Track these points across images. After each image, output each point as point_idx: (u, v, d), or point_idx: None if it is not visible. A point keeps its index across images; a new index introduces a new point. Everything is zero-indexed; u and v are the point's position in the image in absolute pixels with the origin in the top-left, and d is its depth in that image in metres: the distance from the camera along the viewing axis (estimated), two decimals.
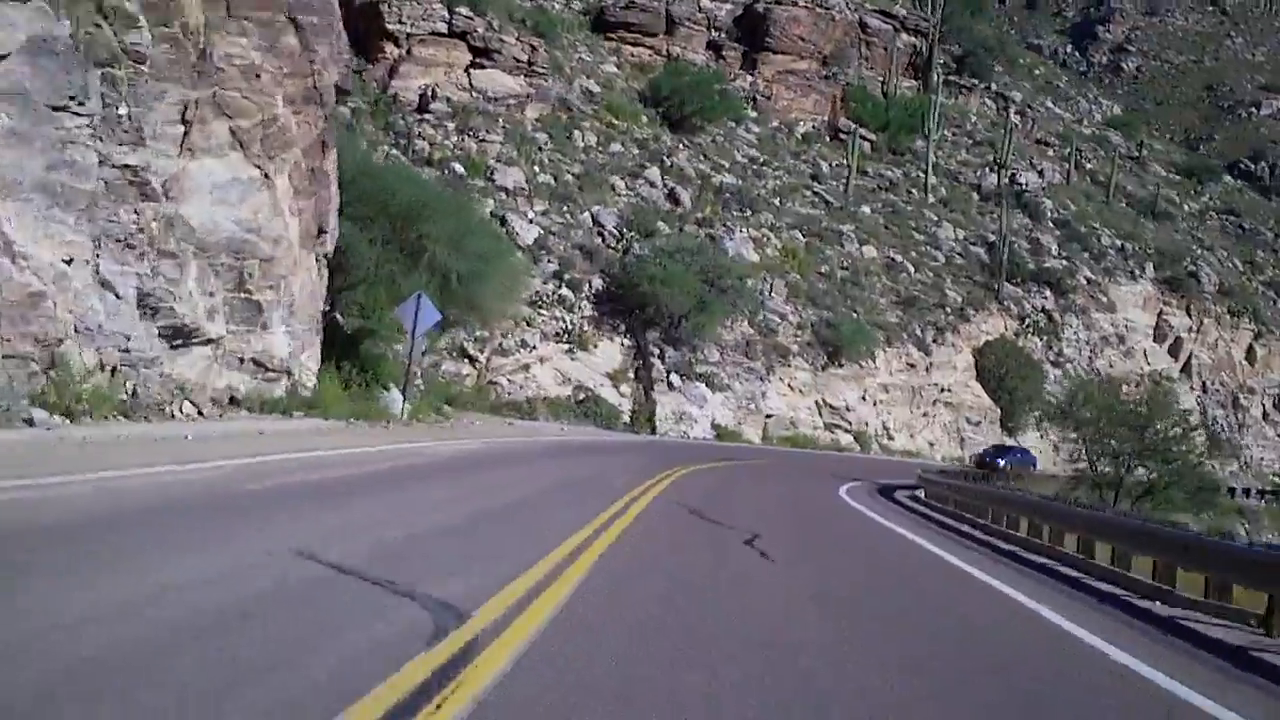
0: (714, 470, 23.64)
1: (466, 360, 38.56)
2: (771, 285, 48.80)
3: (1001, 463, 41.90)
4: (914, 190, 71.42)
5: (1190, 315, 72.64)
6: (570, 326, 40.77)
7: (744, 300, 44.54)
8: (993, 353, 55.55)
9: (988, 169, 79.28)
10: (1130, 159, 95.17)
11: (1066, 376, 59.63)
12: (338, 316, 20.73)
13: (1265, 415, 74.92)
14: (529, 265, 38.39)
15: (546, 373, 39.66)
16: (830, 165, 69.13)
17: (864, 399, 47.86)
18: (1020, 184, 77.34)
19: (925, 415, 51.07)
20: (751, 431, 41.31)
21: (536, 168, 49.43)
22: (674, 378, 40.55)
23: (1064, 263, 67.73)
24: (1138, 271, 72.18)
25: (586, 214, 47.70)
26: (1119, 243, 76.05)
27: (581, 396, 39.32)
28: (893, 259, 59.04)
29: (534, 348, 39.88)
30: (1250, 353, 76.46)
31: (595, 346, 41.14)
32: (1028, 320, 60.39)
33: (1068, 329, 62.87)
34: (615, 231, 46.99)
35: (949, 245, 64.63)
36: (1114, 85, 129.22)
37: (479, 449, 21.03)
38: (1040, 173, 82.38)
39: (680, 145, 59.67)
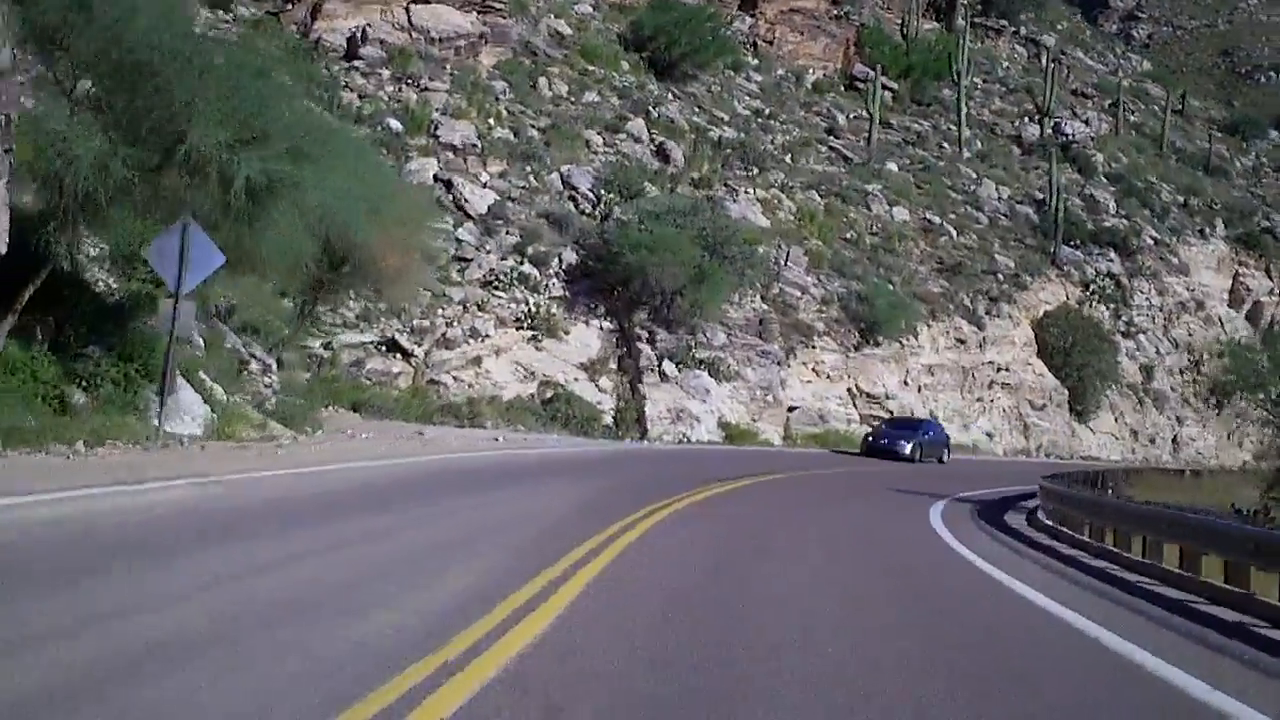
0: (722, 497, 16.37)
1: (399, 355, 31.30)
2: (788, 253, 41.40)
3: (905, 447, 33.16)
4: (945, 144, 64.54)
5: (1271, 276, 65.15)
6: (535, 309, 33.40)
7: (754, 271, 37.17)
8: (1054, 325, 48.14)
9: (1027, 119, 72.56)
10: (1175, 113, 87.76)
11: (1140, 350, 52.47)
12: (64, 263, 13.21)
13: None
14: (431, 209, 30.86)
15: (504, 367, 32.33)
16: (847, 117, 62.15)
17: (906, 383, 40.50)
18: (1066, 134, 69.99)
19: (979, 401, 43.68)
20: (770, 429, 33.91)
21: (492, 121, 42.19)
22: (668, 366, 33.18)
23: (1125, 221, 60.40)
24: (1207, 230, 64.77)
25: (555, 175, 40.39)
26: (1181, 199, 69.04)
27: (549, 395, 31.96)
28: (929, 221, 51.68)
29: (487, 337, 32.57)
30: None
31: (567, 333, 33.79)
32: (1092, 286, 52.88)
33: (1138, 295, 55.38)
34: (591, 194, 39.65)
35: (992, 205, 57.39)
36: (1126, 54, 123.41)
37: (230, 505, 13.83)
38: (1086, 122, 75.21)
39: (669, 95, 52.44)
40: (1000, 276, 48.64)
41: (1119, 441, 49.65)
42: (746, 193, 45.56)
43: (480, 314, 33.14)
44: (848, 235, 46.63)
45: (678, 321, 34.49)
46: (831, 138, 58.62)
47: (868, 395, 38.52)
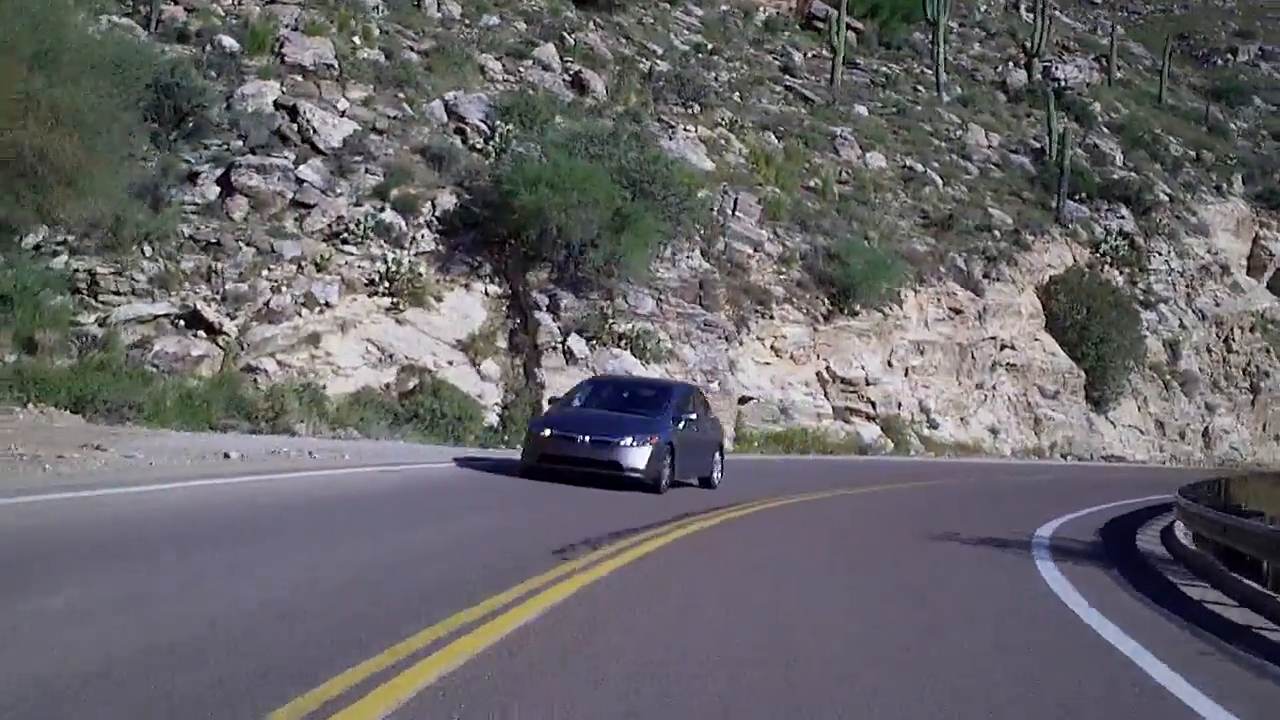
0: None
1: (203, 332, 23.53)
2: (736, 200, 34.05)
3: (630, 453, 16.03)
4: (921, 88, 57.68)
5: None
6: (396, 269, 25.72)
7: (693, 219, 29.79)
8: (1063, 292, 41.11)
9: (1012, 64, 66.15)
10: (1156, 72, 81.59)
11: (1163, 322, 45.67)
12: None
13: None
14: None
15: (350, 347, 24.59)
16: (805, 55, 55.11)
17: (890, 364, 33.20)
18: (1058, 79, 63.27)
19: (980, 388, 36.48)
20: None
21: (358, 39, 34.48)
22: (576, 343, 25.59)
23: (1135, 175, 53.71)
24: (1224, 186, 58.24)
25: (437, 103, 32.64)
26: (1192, 153, 62.78)
27: (411, 384, 24.29)
28: (910, 169, 44.58)
29: (328, 306, 24.88)
30: None
31: (439, 300, 26.17)
32: (1103, 247, 45.94)
33: (1154, 257, 48.53)
34: (484, 126, 32.01)
35: (982, 153, 50.50)
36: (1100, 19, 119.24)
37: None
38: (1078, 68, 68.72)
39: (590, 24, 44.99)
40: (998, 234, 41.54)
41: (1144, 437, 42.76)
42: (686, 130, 38.15)
43: (321, 276, 25.43)
44: (812, 183, 39.32)
45: (590, 283, 26.92)
46: (788, 76, 51.44)
47: (843, 381, 31.18)
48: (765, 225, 34.09)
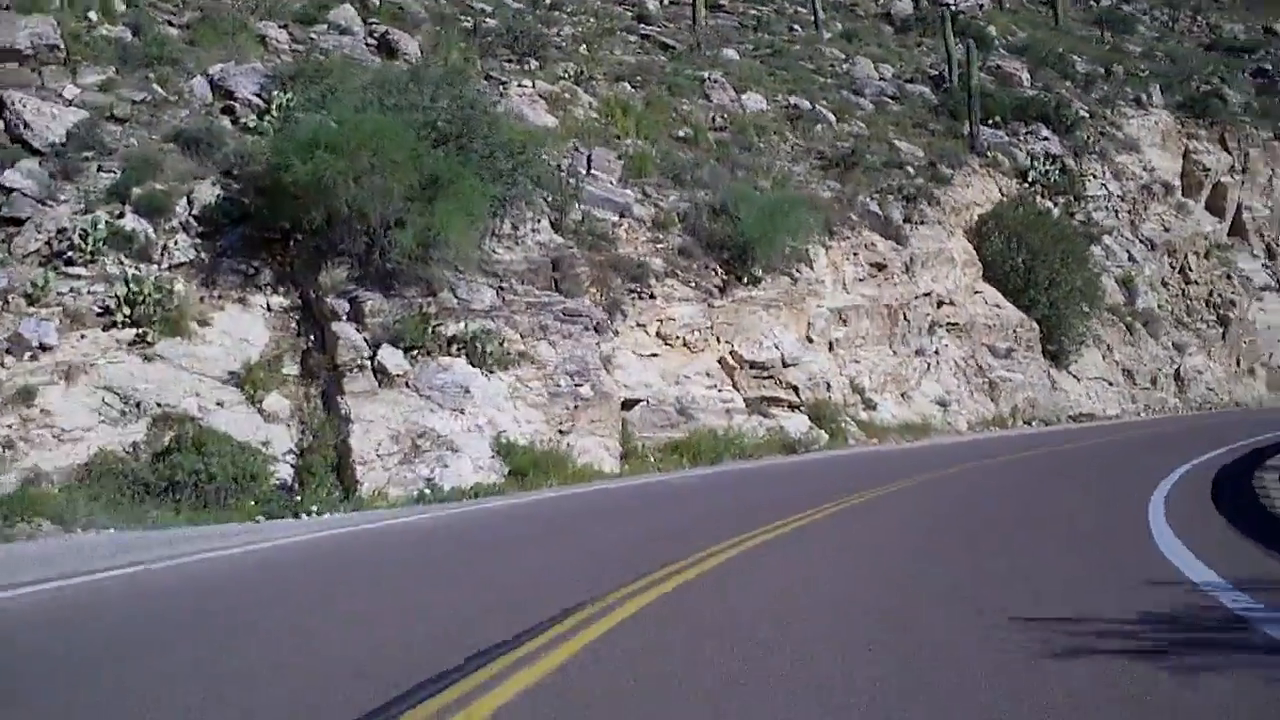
0: None
1: None
2: (590, 159, 28.70)
3: None
4: (798, 27, 53.56)
5: (1228, 148, 55.00)
6: (141, 291, 19.83)
7: (531, 180, 24.19)
8: (996, 231, 36.48)
9: None
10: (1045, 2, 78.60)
11: (1111, 256, 41.37)
12: None
13: None
14: None
15: (79, 400, 18.69)
16: (661, 3, 50.47)
17: (809, 339, 28.02)
18: (947, 4, 59.49)
19: (920, 354, 31.46)
20: (595, 446, 20.66)
21: (95, 15, 28.44)
22: (390, 356, 19.86)
23: (1048, 93, 49.62)
24: (1144, 97, 54.44)
25: (199, 80, 26.69)
26: (1101, 68, 59.22)
27: (168, 440, 18.49)
28: (796, 106, 39.76)
29: (42, 349, 18.93)
30: None
31: (204, 324, 20.24)
32: (1032, 174, 41.53)
33: (1090, 181, 44.30)
34: (258, 100, 26.16)
35: (875, 87, 46.03)
36: None
37: None
38: None
39: None
40: (911, 169, 36.82)
41: (1113, 389, 38.21)
42: (521, 86, 32.85)
43: (34, 311, 19.51)
44: (681, 133, 34.17)
45: (403, 275, 21.13)
46: (643, 25, 46.56)
47: (753, 366, 25.86)
48: (631, 185, 28.80)
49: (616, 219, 26.98)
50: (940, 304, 32.66)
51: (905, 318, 30.97)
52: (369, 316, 20.46)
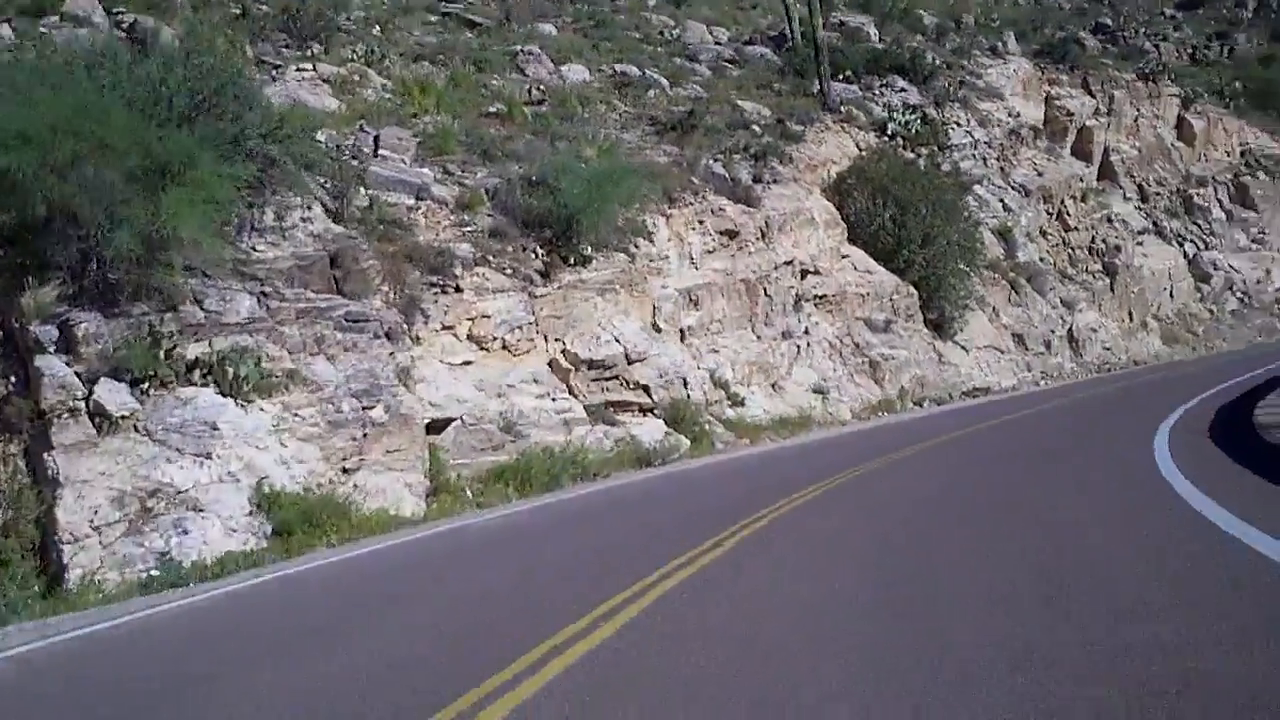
0: None
1: None
2: (378, 139, 24.85)
3: None
4: None
5: (1092, 91, 53.31)
6: None
7: (298, 162, 20.23)
8: (859, 187, 33.43)
9: None
10: None
11: (985, 206, 38.78)
12: None
13: (1230, 216, 56.38)
14: None
15: None
16: None
17: (657, 327, 24.41)
18: None
19: (787, 336, 28.07)
20: (393, 485, 16.72)
21: None
22: (109, 394, 15.76)
23: (899, 47, 47.07)
24: (999, 46, 52.45)
25: None
26: (951, 21, 57.43)
27: None
28: (624, 73, 36.39)
29: None
30: (1182, 128, 58.25)
31: None
32: (892, 126, 38.72)
33: (954, 129, 41.71)
34: None
35: (711, 51, 43.12)
36: None
37: None
38: None
39: None
40: (757, 128, 33.61)
41: (1005, 357, 35.33)
42: (299, 70, 28.94)
43: None
44: (493, 109, 30.47)
45: (128, 288, 17.12)
46: (444, 4, 42.84)
47: (592, 366, 22.13)
48: (429, 163, 24.97)
49: (412, 202, 23.12)
50: (804, 273, 29.38)
51: (766, 293, 27.60)
52: (83, 344, 16.22)
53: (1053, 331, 38.14)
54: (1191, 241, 52.80)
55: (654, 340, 23.54)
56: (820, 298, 29.62)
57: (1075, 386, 33.54)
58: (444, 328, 20.32)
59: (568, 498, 17.68)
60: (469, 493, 17.67)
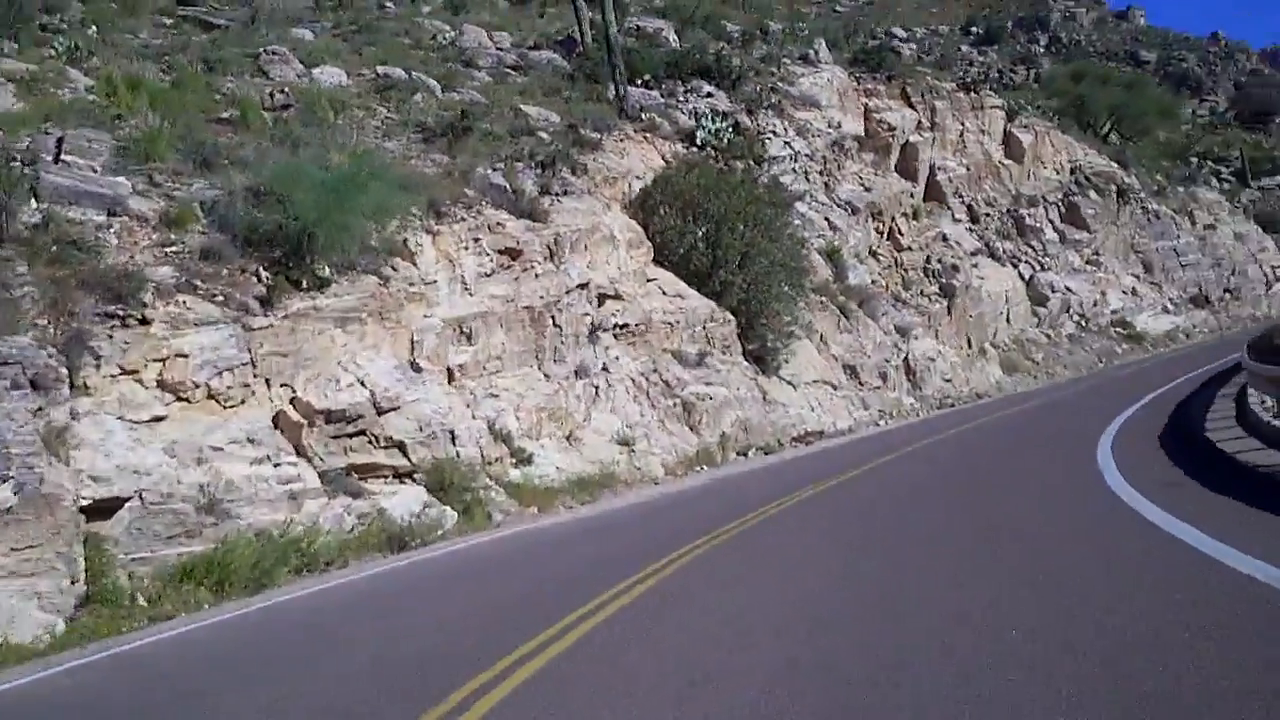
0: None
1: None
2: (61, 140, 20.46)
3: None
4: (390, 4, 46.72)
5: (912, 103, 51.18)
6: None
7: None
8: (666, 202, 29.98)
9: None
10: None
11: (808, 224, 35.89)
12: None
13: (1063, 237, 54.99)
14: None
15: None
16: None
17: (416, 365, 20.21)
18: None
19: (582, 375, 24.12)
20: (9, 597, 12.45)
21: None
22: None
23: (700, 53, 44.09)
24: (811, 54, 49.87)
25: None
26: (756, 30, 55.11)
27: None
28: (387, 76, 32.44)
29: None
30: (1010, 143, 56.76)
31: None
32: (701, 135, 35.52)
33: (771, 139, 38.72)
34: None
35: (492, 56, 39.51)
36: None
37: None
38: None
39: None
40: (545, 135, 29.94)
41: (838, 394, 32.03)
42: None
43: None
44: (226, 114, 26.20)
45: None
46: (183, 8, 38.43)
47: (330, 418, 17.95)
48: (128, 173, 20.58)
49: (103, 218, 18.73)
50: (602, 298, 25.64)
51: (556, 322, 23.73)
52: None
53: (888, 361, 35.10)
54: (1027, 263, 51.03)
55: (413, 383, 19.38)
56: (622, 327, 25.88)
57: (920, 426, 30.34)
58: (124, 372, 15.88)
59: (284, 599, 13.50)
60: (142, 600, 13.33)
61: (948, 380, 37.79)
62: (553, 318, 23.82)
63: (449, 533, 17.33)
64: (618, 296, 26.07)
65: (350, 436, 17.93)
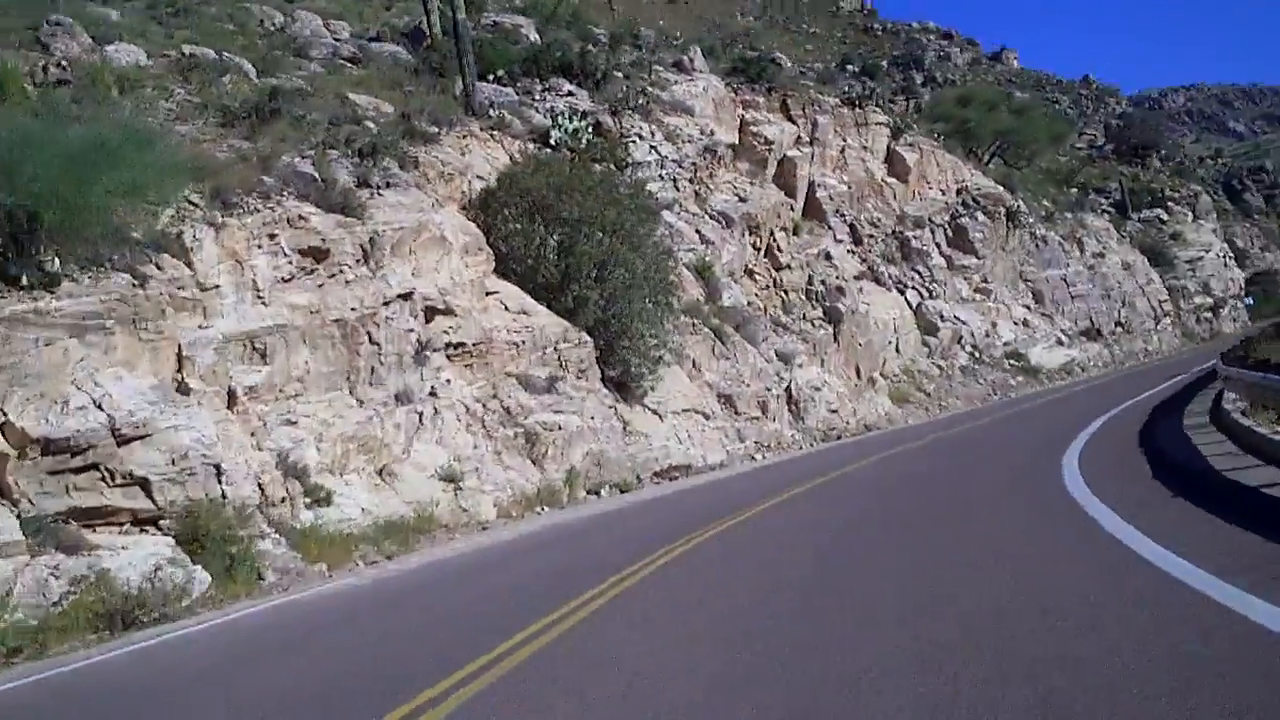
0: None
1: None
2: None
3: None
4: None
5: (792, 116, 48.54)
6: None
7: None
8: (515, 203, 26.57)
9: None
10: None
11: (677, 236, 32.88)
12: None
13: (950, 262, 52.75)
14: None
15: None
16: None
17: (183, 388, 16.43)
18: None
19: (404, 400, 20.52)
20: None
21: None
22: None
23: (564, 50, 40.97)
24: (685, 60, 47.02)
25: None
26: (626, 34, 52.20)
27: None
28: (193, 56, 28.79)
29: None
30: (893, 162, 54.47)
31: None
32: (557, 133, 32.33)
33: (636, 143, 35.66)
34: None
35: (327, 45, 36.01)
36: None
37: None
38: None
39: None
40: (373, 124, 26.43)
41: (711, 425, 28.78)
42: None
43: None
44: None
45: None
46: None
47: (46, 447, 13.94)
48: None
49: None
50: (432, 312, 22.13)
51: (373, 339, 20.19)
52: None
53: (768, 390, 32.00)
54: (914, 289, 48.60)
55: (171, 406, 15.62)
56: (456, 347, 22.36)
57: (803, 462, 27.20)
58: None
59: None
60: None
61: (834, 411, 34.85)
62: (369, 333, 20.23)
63: (199, 601, 13.61)
64: (450, 311, 22.50)
65: (76, 472, 14.16)
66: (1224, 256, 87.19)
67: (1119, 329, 65.07)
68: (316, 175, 21.86)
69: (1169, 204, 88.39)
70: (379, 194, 22.72)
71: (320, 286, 19.83)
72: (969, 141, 68.38)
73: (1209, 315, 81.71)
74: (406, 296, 21.30)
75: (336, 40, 37.53)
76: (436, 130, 27.94)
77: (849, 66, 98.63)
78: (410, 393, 20.61)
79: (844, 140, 50.98)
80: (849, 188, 49.62)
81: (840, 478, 21.39)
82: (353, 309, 20.00)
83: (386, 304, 20.72)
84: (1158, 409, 26.43)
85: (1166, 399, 29.80)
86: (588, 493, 23.29)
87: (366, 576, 15.64)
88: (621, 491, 23.85)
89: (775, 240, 37.96)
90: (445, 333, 22.33)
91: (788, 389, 33.47)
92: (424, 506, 18.98)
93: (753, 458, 29.38)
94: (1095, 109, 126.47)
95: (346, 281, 20.23)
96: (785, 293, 37.55)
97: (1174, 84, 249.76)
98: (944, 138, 63.21)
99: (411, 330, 21.26)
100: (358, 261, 20.69)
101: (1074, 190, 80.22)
